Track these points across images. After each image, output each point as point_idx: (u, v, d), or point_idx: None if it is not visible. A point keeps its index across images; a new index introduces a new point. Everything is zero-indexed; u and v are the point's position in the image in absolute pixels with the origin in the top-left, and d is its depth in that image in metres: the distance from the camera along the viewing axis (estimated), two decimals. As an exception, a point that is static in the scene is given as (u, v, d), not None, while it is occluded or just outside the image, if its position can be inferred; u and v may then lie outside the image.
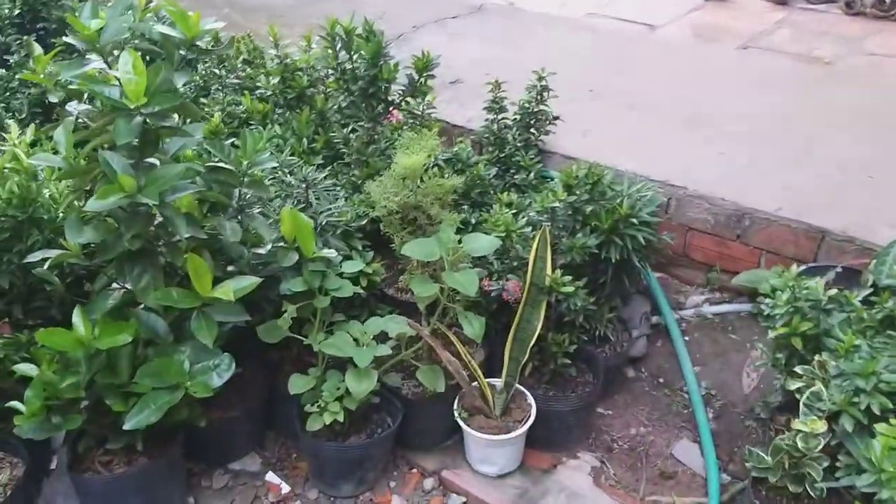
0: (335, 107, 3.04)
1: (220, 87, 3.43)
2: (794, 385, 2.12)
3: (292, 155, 3.09)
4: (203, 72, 3.53)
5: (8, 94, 3.56)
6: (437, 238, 2.25)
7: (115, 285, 2.23)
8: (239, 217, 2.18)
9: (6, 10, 4.03)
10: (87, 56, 1.85)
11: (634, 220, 2.48)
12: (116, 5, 1.88)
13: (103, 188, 1.81)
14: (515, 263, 2.52)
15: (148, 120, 1.84)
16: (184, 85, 2.19)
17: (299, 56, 3.46)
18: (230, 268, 2.32)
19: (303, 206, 2.47)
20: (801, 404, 2.04)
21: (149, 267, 2.12)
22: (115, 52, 1.86)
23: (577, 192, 2.47)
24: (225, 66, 3.48)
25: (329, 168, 3.10)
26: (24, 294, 2.41)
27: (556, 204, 2.40)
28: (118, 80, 1.80)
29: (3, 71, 3.65)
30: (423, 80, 2.86)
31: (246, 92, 3.36)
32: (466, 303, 2.31)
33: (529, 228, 2.53)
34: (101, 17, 1.91)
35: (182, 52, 1.85)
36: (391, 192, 2.33)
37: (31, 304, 2.44)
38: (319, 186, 2.50)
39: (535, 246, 2.39)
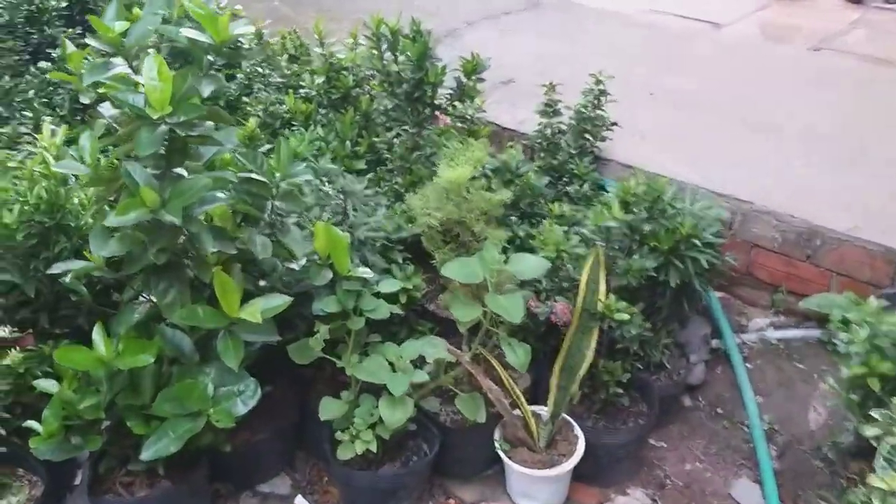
0: (380, 109, 2.89)
1: (263, 86, 3.30)
2: (870, 431, 1.90)
3: (334, 158, 2.96)
4: (248, 69, 3.41)
5: (51, 88, 3.49)
6: (480, 257, 2.09)
7: (142, 297, 2.13)
8: (271, 230, 2.05)
9: (53, 2, 3.97)
10: (112, 59, 1.73)
11: (697, 242, 2.29)
12: (151, 4, 1.75)
13: (124, 202, 1.69)
14: (566, 284, 2.35)
15: (174, 129, 1.71)
16: (224, 85, 2.05)
17: (345, 54, 3.32)
18: (262, 282, 2.19)
19: (340, 217, 2.32)
20: (878, 455, 1.84)
21: (175, 281, 2.00)
22: (143, 55, 1.74)
23: (635, 210, 2.28)
24: (269, 64, 3.36)
25: (371, 173, 2.96)
26: (50, 302, 2.32)
27: (612, 223, 2.21)
28: (142, 86, 1.67)
29: (48, 64, 3.58)
30: (471, 83, 2.69)
31: (290, 91, 3.23)
32: (511, 327, 2.14)
33: (582, 246, 2.35)
34: (135, 15, 1.79)
35: (210, 57, 1.71)
36: (433, 207, 2.17)
37: (57, 313, 2.34)
38: (358, 196, 2.36)
39: (587, 268, 2.21)
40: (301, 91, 3.25)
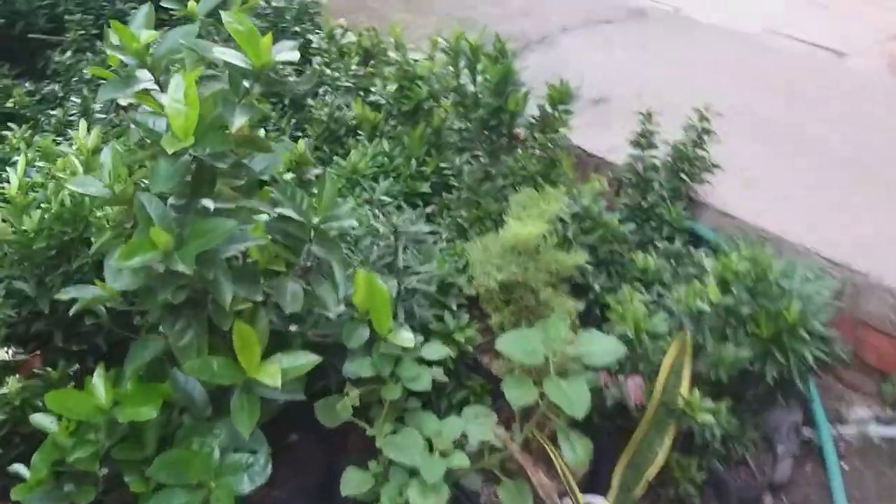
0: (453, 127, 2.59)
1: (330, 89, 3.04)
2: None
3: (397, 177, 2.68)
4: (317, 66, 3.15)
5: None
6: (543, 330, 1.78)
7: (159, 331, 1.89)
8: (304, 275, 1.77)
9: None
10: (137, 71, 1.47)
11: (804, 334, 1.92)
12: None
13: (131, 243, 1.44)
14: (641, 366, 2.01)
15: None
16: (264, 113, 1.76)
17: (425, 57, 3.02)
18: (293, 327, 1.93)
19: (390, 258, 2.04)
20: None
21: (193, 322, 1.75)
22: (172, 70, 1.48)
23: (735, 291, 1.93)
24: (339, 64, 3.08)
25: (436, 197, 2.67)
26: (67, 319, 2.11)
27: (706, 308, 1.87)
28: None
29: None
30: (557, 114, 2.36)
31: (358, 97, 2.96)
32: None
33: (665, 324, 2.01)
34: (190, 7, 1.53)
35: (247, 83, 1.44)
36: (495, 265, 1.86)
37: (75, 329, 2.13)
38: (413, 237, 2.06)
39: (671, 354, 1.87)
40: (371, 97, 2.97)
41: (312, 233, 1.70)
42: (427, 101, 2.80)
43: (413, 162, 2.71)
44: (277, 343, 1.89)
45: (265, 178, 1.75)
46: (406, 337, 1.79)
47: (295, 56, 1.39)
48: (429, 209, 2.37)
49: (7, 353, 1.90)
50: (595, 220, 2.30)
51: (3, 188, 2.05)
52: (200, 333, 1.75)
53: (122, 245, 1.44)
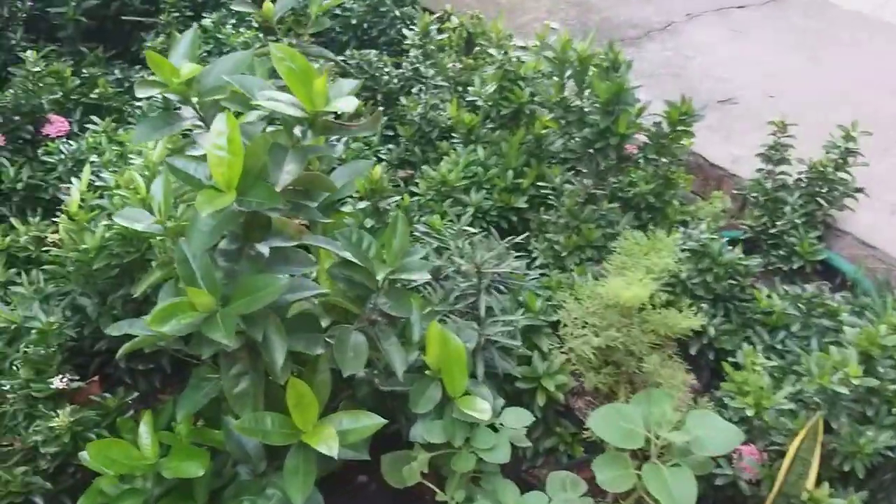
0: (555, 142, 2.32)
1: (424, 87, 2.80)
2: None
3: (490, 189, 2.43)
4: (414, 59, 2.91)
5: (204, 52, 3.17)
6: (645, 405, 1.52)
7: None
8: (374, 324, 1.57)
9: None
10: (181, 107, 1.29)
11: (965, 422, 1.59)
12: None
13: (166, 307, 1.26)
14: (760, 445, 1.72)
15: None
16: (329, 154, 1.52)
17: (533, 45, 2.73)
18: (360, 372, 1.73)
19: (472, 299, 1.80)
20: None
21: (249, 369, 1.58)
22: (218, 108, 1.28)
23: (881, 369, 1.60)
24: (436, 60, 2.83)
25: (532, 213, 2.41)
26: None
27: (844, 390, 1.55)
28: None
29: (209, 23, 3.25)
30: (673, 135, 2.05)
31: (455, 96, 2.71)
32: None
33: (791, 403, 1.70)
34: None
35: (300, 130, 1.22)
36: (591, 325, 1.60)
37: (139, 349, 2.01)
38: (499, 266, 1.82)
39: (797, 441, 1.58)
40: (468, 97, 2.72)
41: (381, 284, 1.49)
42: (529, 105, 2.53)
43: (510, 173, 2.45)
44: (342, 386, 1.71)
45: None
46: (482, 407, 1.56)
47: (352, 104, 1.17)
48: (522, 237, 2.11)
49: (62, 380, 1.78)
50: (714, 258, 1.99)
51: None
52: (257, 382, 1.58)
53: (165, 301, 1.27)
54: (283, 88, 1.20)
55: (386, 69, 3.01)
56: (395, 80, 2.99)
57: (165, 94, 1.22)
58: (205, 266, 1.31)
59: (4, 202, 2.47)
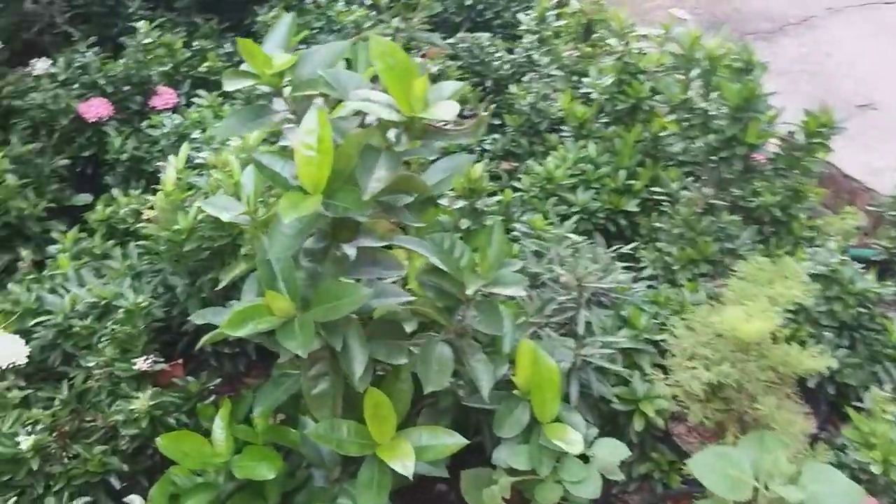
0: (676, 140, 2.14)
1: (536, 76, 2.65)
2: None
3: (599, 189, 2.28)
4: (528, 45, 2.77)
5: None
6: (755, 450, 1.36)
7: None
8: (461, 336, 1.46)
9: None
10: (273, 99, 1.20)
11: None
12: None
13: (242, 310, 1.19)
14: (883, 498, 1.53)
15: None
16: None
17: (657, 36, 2.55)
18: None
19: (570, 313, 1.67)
20: None
21: (330, 371, 1.50)
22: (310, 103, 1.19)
23: None
24: (550, 48, 2.67)
25: (644, 217, 2.25)
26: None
27: None
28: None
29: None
30: (809, 147, 1.85)
31: (568, 87, 2.56)
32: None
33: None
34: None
35: (394, 133, 1.11)
36: (702, 357, 1.45)
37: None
38: (603, 279, 1.68)
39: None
40: (582, 88, 2.56)
41: (470, 294, 1.38)
42: (647, 101, 2.35)
43: (622, 173, 2.29)
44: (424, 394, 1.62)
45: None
46: (573, 438, 1.43)
47: (453, 111, 1.05)
48: (630, 247, 1.96)
49: (146, 362, 1.76)
50: (845, 286, 1.79)
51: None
52: (336, 384, 1.50)
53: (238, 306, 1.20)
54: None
55: (497, 54, 2.89)
56: (507, 66, 2.86)
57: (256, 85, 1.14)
58: (286, 268, 1.24)
59: (109, 172, 2.49)
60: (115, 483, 1.70)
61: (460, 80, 2.84)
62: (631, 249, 1.95)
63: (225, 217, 1.38)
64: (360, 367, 1.31)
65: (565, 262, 1.73)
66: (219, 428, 1.50)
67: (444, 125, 1.06)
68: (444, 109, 1.04)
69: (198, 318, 1.61)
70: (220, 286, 1.49)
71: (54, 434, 1.72)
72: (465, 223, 1.66)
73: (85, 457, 1.69)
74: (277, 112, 1.19)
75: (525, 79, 2.70)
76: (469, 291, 1.27)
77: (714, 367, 1.41)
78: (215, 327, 1.53)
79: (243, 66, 1.16)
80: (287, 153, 1.19)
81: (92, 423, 1.81)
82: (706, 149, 1.90)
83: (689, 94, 1.94)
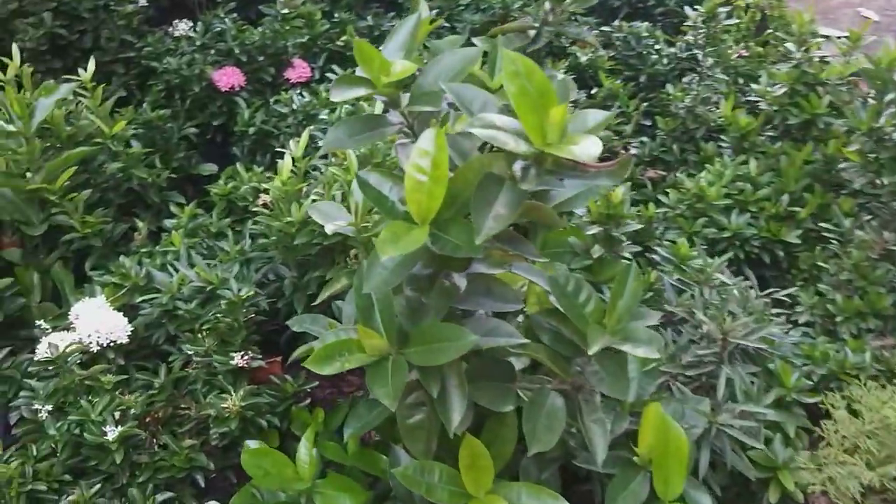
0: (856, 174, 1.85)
1: (698, 77, 2.38)
2: None
3: (756, 213, 2.02)
4: (691, 41, 2.50)
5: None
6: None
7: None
8: (578, 390, 1.27)
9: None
10: (389, 110, 1.04)
11: None
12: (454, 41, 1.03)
13: (329, 344, 1.06)
14: None
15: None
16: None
17: (841, 39, 2.23)
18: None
19: (709, 367, 1.45)
20: None
21: (428, 402, 1.35)
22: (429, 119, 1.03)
23: None
24: (716, 48, 2.39)
25: (806, 252, 1.97)
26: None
27: None
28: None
29: None
30: None
31: (732, 92, 2.28)
32: None
33: None
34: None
35: (520, 165, 0.92)
36: (865, 450, 1.20)
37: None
38: (753, 334, 1.44)
39: None
40: (749, 94, 2.28)
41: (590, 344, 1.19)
42: (824, 118, 2.05)
43: (785, 198, 2.02)
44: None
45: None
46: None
47: (595, 148, 0.85)
48: (787, 292, 1.70)
49: (243, 358, 1.67)
50: None
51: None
52: (433, 419, 1.35)
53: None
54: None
55: (656, 47, 2.63)
56: (664, 62, 2.60)
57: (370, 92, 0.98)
58: (384, 299, 1.09)
59: (237, 143, 2.43)
60: (201, 481, 1.63)
61: (611, 72, 2.61)
62: (789, 296, 1.69)
63: (329, 228, 1.25)
64: (458, 416, 1.16)
65: (710, 305, 1.50)
66: (304, 448, 1.39)
67: (583, 162, 0.86)
68: (585, 146, 0.85)
69: (295, 324, 1.50)
70: (320, 299, 1.36)
71: (147, 419, 1.68)
72: (596, 250, 1.47)
73: (173, 449, 1.63)
74: (393, 125, 1.04)
75: (685, 79, 2.43)
76: (592, 350, 1.08)
77: (879, 468, 1.17)
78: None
79: (358, 71, 1.01)
80: (397, 174, 1.03)
81: (185, 412, 1.76)
82: (894, 188, 1.61)
83: (881, 121, 1.65)
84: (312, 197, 1.70)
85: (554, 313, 1.22)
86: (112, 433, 1.50)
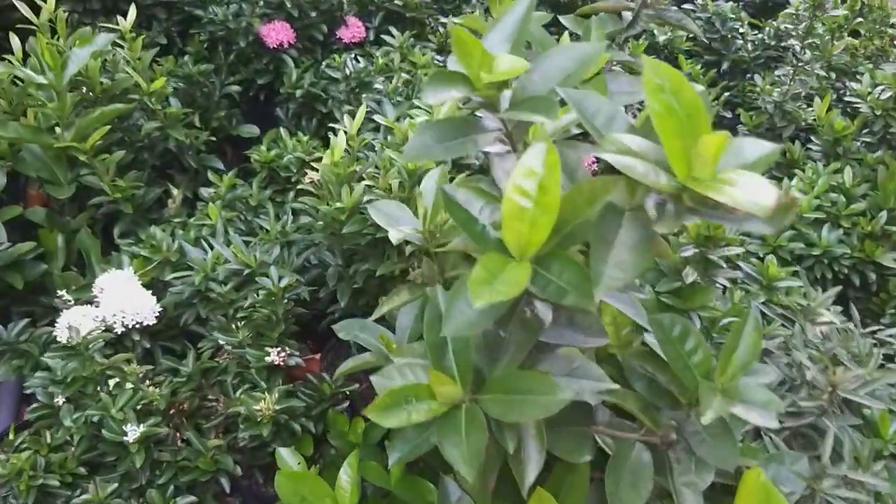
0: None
1: (792, 70, 2.15)
2: None
3: (847, 231, 1.82)
4: (786, 28, 2.27)
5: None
6: None
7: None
8: (670, 445, 1.11)
9: None
10: (484, 112, 0.85)
11: None
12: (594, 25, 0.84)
13: (395, 390, 0.89)
14: None
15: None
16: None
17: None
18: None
19: (810, 418, 1.27)
20: None
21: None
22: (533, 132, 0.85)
23: None
24: (815, 41, 2.15)
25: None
26: (366, 311, 1.70)
27: None
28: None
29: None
30: None
31: (827, 90, 2.07)
32: None
33: None
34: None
35: (656, 199, 0.74)
36: None
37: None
38: (865, 388, 1.26)
39: None
40: (847, 94, 2.06)
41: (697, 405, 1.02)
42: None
43: (882, 215, 1.82)
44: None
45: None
46: None
47: (768, 198, 0.65)
48: (888, 332, 1.50)
49: (279, 355, 1.52)
50: None
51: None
52: (494, 449, 1.20)
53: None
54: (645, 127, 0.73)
55: (741, 30, 2.40)
56: (749, 48, 2.37)
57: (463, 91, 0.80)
58: (461, 339, 0.92)
59: (282, 104, 2.25)
60: (226, 485, 1.50)
61: (690, 55, 2.39)
62: (893, 336, 1.50)
63: (394, 236, 1.08)
64: (534, 473, 0.99)
65: (808, 343, 1.32)
66: (346, 475, 1.24)
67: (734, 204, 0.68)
68: (749, 190, 0.67)
69: (342, 331, 1.34)
70: (376, 316, 1.19)
71: (171, 411, 1.54)
72: (689, 273, 1.29)
73: (197, 448, 1.49)
74: (489, 130, 0.85)
75: (778, 72, 2.21)
76: (707, 419, 0.91)
77: None
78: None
79: (451, 64, 0.82)
80: (488, 191, 0.85)
81: (213, 403, 1.62)
82: None
83: None
84: (366, 183, 1.53)
85: (650, 358, 1.05)
86: (133, 433, 1.35)
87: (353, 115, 2.06)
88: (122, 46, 1.82)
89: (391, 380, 0.96)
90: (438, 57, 2.25)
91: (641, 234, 0.78)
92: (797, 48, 2.08)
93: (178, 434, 1.55)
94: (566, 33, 1.32)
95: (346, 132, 1.58)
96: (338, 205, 1.52)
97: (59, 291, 1.65)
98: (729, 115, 2.23)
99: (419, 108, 1.93)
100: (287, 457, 1.42)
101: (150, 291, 1.62)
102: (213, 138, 2.07)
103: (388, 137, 1.68)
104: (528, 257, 0.80)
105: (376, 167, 1.58)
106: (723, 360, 0.97)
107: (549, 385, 0.88)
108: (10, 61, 1.63)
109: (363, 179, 1.57)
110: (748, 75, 2.38)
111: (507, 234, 0.80)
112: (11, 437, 1.48)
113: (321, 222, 1.58)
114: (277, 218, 1.77)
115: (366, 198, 1.51)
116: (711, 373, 1.00)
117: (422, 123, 0.96)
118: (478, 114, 0.88)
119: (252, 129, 2.23)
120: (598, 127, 0.77)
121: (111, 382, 1.43)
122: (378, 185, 1.52)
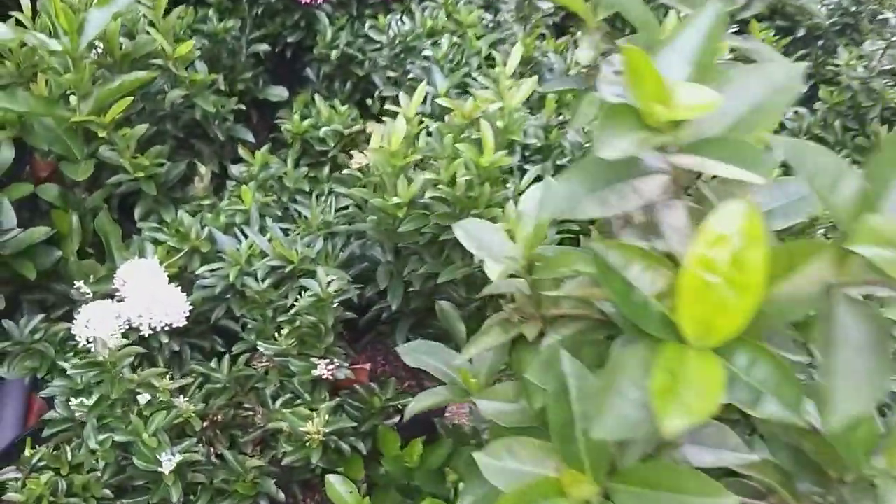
0: None
1: (882, 40, 1.94)
2: None
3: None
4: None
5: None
6: None
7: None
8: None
9: None
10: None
11: None
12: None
13: (526, 488, 0.73)
14: None
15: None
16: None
17: None
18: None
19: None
20: None
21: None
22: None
23: None
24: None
25: None
26: (419, 311, 1.53)
27: None
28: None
29: None
30: None
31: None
32: None
33: None
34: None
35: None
36: None
37: (425, 328, 1.56)
38: None
39: None
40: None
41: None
42: None
43: None
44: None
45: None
46: None
47: None
48: None
49: (327, 368, 1.36)
50: None
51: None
52: None
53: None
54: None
55: (817, -8, 2.18)
56: (825, 13, 2.16)
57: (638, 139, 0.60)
58: (561, 383, 0.75)
59: (314, 64, 2.03)
60: (264, 505, 1.35)
61: (759, 18, 2.17)
62: None
63: (492, 271, 0.90)
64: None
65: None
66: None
67: None
68: None
69: (407, 355, 1.16)
70: (463, 357, 1.02)
71: (204, 423, 1.38)
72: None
73: (234, 468, 1.34)
74: (653, 172, 0.67)
75: (867, 44, 2.00)
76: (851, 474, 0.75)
77: None
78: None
79: (616, 94, 0.63)
80: (646, 250, 0.67)
81: (248, 413, 1.46)
82: None
83: None
84: (426, 176, 1.34)
85: (799, 427, 0.88)
86: (168, 463, 1.20)
87: (396, 82, 1.86)
88: (144, 4, 1.60)
89: (501, 461, 0.80)
90: (487, 14, 2.03)
91: (883, 347, 0.60)
92: (892, 18, 1.87)
93: (212, 448, 1.40)
94: (671, 13, 1.12)
95: (404, 116, 1.38)
96: (394, 200, 1.34)
97: (75, 282, 1.48)
98: (807, 90, 2.03)
99: (474, 78, 1.74)
100: (338, 485, 1.27)
101: (177, 283, 1.45)
102: (242, 106, 1.87)
103: (446, 118, 1.49)
104: (709, 346, 0.62)
105: (432, 158, 1.39)
106: (893, 438, 0.81)
107: (708, 486, 0.71)
108: (19, 21, 1.42)
109: (420, 167, 1.39)
110: (820, 42, 2.17)
111: (683, 314, 0.62)
112: (28, 453, 1.32)
113: (373, 216, 1.40)
114: (318, 195, 1.59)
115: (427, 194, 1.32)
116: (876, 450, 0.84)
117: (574, 165, 0.76)
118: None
119: (281, 93, 2.02)
120: (824, 189, 0.59)
121: (140, 399, 1.26)
122: (440, 177, 1.33)
